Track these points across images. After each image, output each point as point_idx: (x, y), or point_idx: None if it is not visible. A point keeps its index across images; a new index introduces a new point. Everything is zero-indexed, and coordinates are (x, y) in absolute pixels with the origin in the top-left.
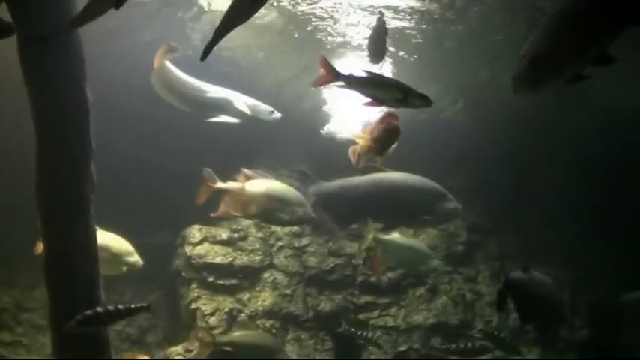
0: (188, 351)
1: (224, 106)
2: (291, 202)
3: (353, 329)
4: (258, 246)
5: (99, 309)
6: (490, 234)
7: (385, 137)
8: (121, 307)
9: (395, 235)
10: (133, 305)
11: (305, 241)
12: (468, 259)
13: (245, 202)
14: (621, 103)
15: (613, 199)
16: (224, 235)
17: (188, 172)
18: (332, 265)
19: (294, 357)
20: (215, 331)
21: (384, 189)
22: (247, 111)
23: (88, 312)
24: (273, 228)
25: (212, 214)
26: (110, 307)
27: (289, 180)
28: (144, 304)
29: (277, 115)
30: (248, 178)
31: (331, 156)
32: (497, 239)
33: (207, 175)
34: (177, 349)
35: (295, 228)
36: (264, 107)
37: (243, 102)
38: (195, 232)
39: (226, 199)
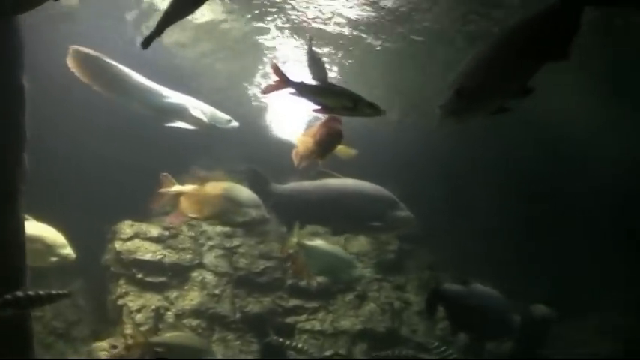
0: (113, 347)
1: (180, 112)
2: (246, 203)
3: (281, 339)
4: (188, 245)
5: (19, 293)
6: (421, 243)
7: (327, 141)
8: (41, 292)
9: (319, 242)
10: (54, 291)
11: (236, 242)
12: (398, 267)
13: (201, 204)
14: (552, 118)
15: (544, 211)
16: (155, 232)
17: (125, 169)
18: (262, 267)
19: (220, 357)
20: (141, 329)
21: (336, 194)
22: (204, 118)
23: (8, 296)
24: (205, 227)
25: (168, 218)
26: (31, 292)
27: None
28: (65, 291)
29: (235, 123)
30: (204, 179)
31: (270, 158)
32: (429, 249)
33: (165, 179)
34: (102, 345)
35: (226, 228)
36: (221, 115)
37: (199, 109)
38: (126, 228)
39: (183, 200)
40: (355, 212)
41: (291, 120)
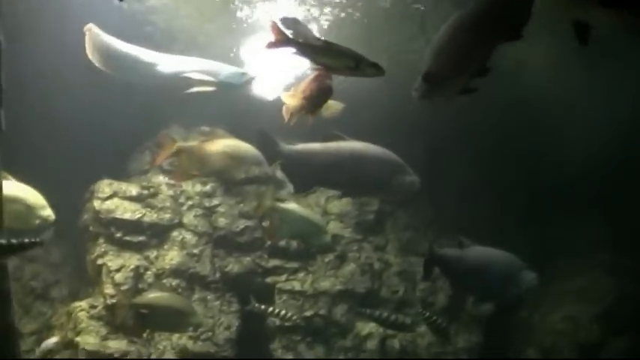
0: (92, 307)
1: (182, 80)
2: (248, 160)
3: (263, 307)
4: (168, 204)
5: None
6: (401, 205)
7: (317, 96)
8: (13, 240)
9: (293, 205)
10: (26, 240)
11: (215, 201)
12: (378, 228)
13: (203, 161)
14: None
15: (520, 177)
16: (134, 191)
17: (102, 127)
18: (242, 227)
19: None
20: (121, 289)
21: (344, 157)
22: (211, 78)
23: None
24: (184, 186)
25: (168, 177)
26: (2, 241)
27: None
28: (37, 239)
29: (251, 76)
30: (206, 136)
31: (255, 116)
32: (408, 210)
33: (165, 136)
34: (81, 305)
35: (207, 187)
36: (233, 71)
37: (206, 70)
38: (104, 187)
39: (184, 158)
40: (363, 176)
41: (276, 76)
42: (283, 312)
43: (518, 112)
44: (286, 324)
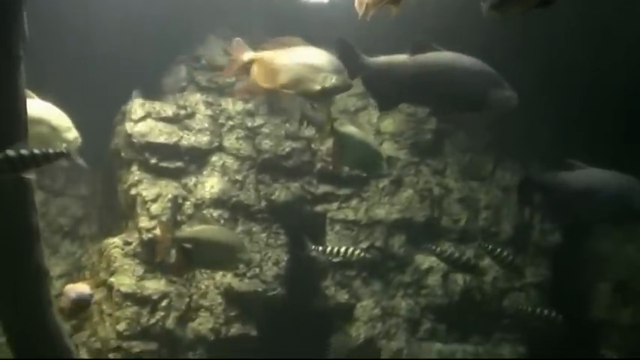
0: (127, 243)
1: None
2: (325, 68)
3: (321, 248)
4: (206, 125)
5: (10, 152)
6: (459, 124)
7: None
8: (36, 151)
9: (352, 129)
10: (50, 150)
11: (259, 120)
12: (436, 149)
13: (276, 71)
14: None
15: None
16: (169, 111)
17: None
18: (288, 149)
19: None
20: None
21: (434, 69)
22: None
23: None
24: (224, 105)
25: (237, 90)
26: (23, 151)
27: None
28: (62, 150)
29: None
30: (277, 45)
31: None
32: (469, 130)
33: (237, 44)
34: (114, 242)
35: (249, 105)
36: None
37: None
38: (137, 108)
39: (255, 69)
40: (456, 90)
41: None
42: (344, 249)
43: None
44: (353, 259)
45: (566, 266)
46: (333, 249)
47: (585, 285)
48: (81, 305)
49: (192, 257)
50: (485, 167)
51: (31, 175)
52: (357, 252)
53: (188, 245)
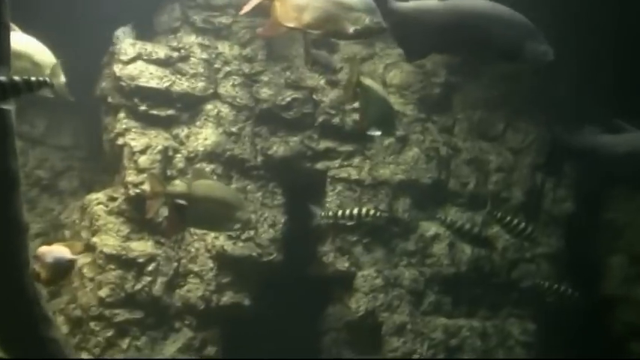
0: (111, 199)
1: None
2: (357, 6)
3: (331, 212)
4: (201, 70)
5: None
6: (471, 76)
7: None
8: (17, 78)
9: (375, 84)
10: (33, 78)
11: (258, 67)
12: (445, 104)
13: (301, 9)
14: None
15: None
16: (162, 53)
17: None
18: (289, 99)
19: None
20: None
21: (467, 17)
22: None
23: None
24: (220, 48)
25: (258, 30)
26: (3, 79)
27: None
28: (45, 79)
29: None
30: None
31: None
32: (479, 83)
33: None
34: (98, 197)
35: (247, 50)
36: None
37: None
38: (127, 48)
39: (278, 6)
40: (491, 40)
41: None
42: (356, 210)
43: None
44: (367, 220)
45: (579, 237)
46: (345, 212)
47: (599, 257)
48: (58, 272)
49: (185, 215)
50: (495, 126)
51: (9, 106)
52: (371, 212)
53: (182, 202)
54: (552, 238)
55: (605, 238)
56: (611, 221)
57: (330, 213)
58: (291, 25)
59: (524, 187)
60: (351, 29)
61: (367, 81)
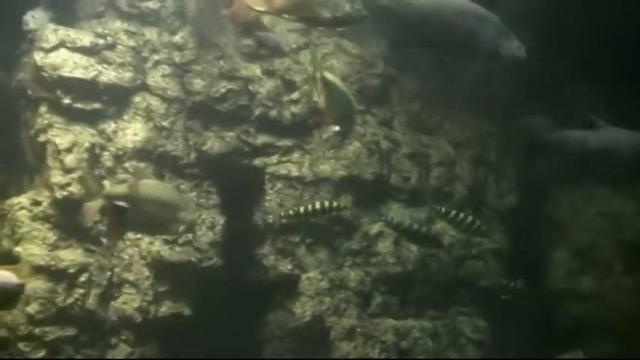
0: (35, 204)
1: None
2: None
3: (292, 212)
4: (129, 59)
5: None
6: (406, 69)
7: None
8: None
9: (335, 77)
10: None
11: (189, 55)
12: (383, 97)
13: None
14: None
15: None
16: (87, 40)
17: None
18: (223, 90)
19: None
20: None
21: (445, 13)
22: None
23: None
24: (148, 36)
25: (225, 12)
26: None
27: None
28: None
29: None
30: None
31: None
32: (417, 75)
33: None
34: (20, 202)
35: (177, 37)
36: None
37: None
38: (48, 34)
39: None
40: (467, 36)
41: None
42: (319, 205)
43: None
44: (333, 213)
45: (522, 231)
46: (307, 208)
47: (543, 252)
48: (4, 299)
49: (126, 219)
50: (432, 118)
51: None
52: (335, 205)
53: (122, 204)
54: (497, 233)
55: (548, 232)
56: (552, 215)
57: (291, 212)
58: (262, 9)
59: (467, 181)
60: (328, 15)
61: (330, 76)
